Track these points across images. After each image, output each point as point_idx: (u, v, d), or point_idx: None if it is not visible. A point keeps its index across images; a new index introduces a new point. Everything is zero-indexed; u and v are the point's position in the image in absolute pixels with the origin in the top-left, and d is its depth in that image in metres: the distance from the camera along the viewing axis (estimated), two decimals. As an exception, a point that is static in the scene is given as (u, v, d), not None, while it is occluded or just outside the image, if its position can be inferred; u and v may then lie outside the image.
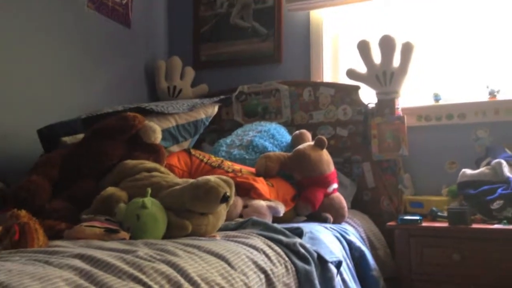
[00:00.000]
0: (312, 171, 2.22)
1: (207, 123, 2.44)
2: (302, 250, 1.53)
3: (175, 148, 2.25)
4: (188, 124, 2.31)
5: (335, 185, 2.29)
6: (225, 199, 1.41)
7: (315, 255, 1.57)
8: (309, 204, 2.14)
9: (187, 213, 1.42)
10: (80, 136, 1.94)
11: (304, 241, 1.63)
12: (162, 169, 1.71)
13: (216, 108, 2.49)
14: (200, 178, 1.45)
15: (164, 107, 2.25)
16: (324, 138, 2.31)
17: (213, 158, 2.27)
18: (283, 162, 2.24)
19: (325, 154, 2.28)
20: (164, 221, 1.39)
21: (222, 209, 1.51)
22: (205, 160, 2.23)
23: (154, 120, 2.16)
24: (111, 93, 2.85)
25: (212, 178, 1.44)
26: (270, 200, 1.95)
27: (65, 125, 2.00)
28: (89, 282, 0.89)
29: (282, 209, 1.94)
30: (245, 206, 1.89)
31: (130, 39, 3.04)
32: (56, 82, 2.50)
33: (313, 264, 1.52)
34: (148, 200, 1.38)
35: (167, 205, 1.43)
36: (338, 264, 1.67)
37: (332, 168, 2.28)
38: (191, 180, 1.51)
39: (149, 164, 1.70)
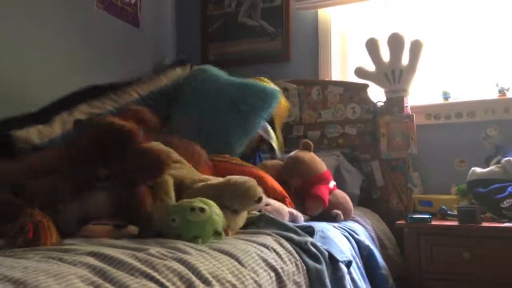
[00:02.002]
0: (311, 170, 2.23)
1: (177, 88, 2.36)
2: (313, 249, 1.53)
3: None
4: (152, 93, 2.22)
5: (333, 182, 2.30)
6: (259, 199, 1.48)
7: (326, 254, 1.57)
8: (318, 200, 2.12)
9: (222, 209, 1.45)
10: (33, 129, 1.85)
11: (316, 240, 1.63)
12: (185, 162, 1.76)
13: (178, 71, 2.39)
14: (238, 178, 1.51)
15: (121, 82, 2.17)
16: (309, 141, 2.36)
17: None
18: (279, 171, 2.25)
19: (315, 156, 2.33)
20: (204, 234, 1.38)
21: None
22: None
23: (112, 96, 2.09)
24: (120, 93, 2.86)
25: (247, 178, 1.51)
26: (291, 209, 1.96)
27: (10, 121, 1.88)
28: (103, 279, 0.90)
29: (301, 220, 1.94)
30: (266, 204, 1.88)
31: (138, 39, 3.05)
32: (64, 82, 2.51)
33: (324, 263, 1.52)
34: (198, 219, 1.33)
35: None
36: (348, 264, 1.67)
37: (325, 167, 2.31)
38: (219, 179, 1.57)
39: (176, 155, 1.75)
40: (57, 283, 0.82)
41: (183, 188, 1.56)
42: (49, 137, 1.86)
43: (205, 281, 1.05)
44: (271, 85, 2.44)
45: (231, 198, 1.47)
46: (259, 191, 1.48)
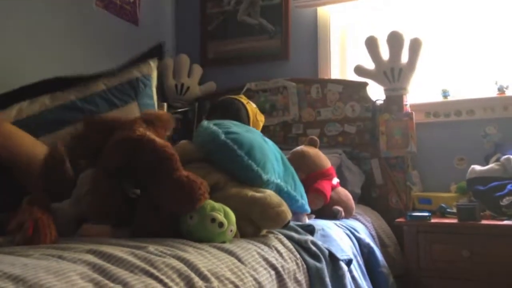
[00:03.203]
0: (315, 165, 2.24)
1: (148, 82, 2.28)
2: (314, 248, 1.54)
3: (117, 114, 2.11)
4: (121, 85, 2.18)
5: (337, 179, 2.30)
6: (287, 224, 1.48)
7: (327, 252, 1.57)
8: (320, 195, 2.11)
9: (246, 222, 1.43)
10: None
11: (316, 238, 1.63)
12: None
13: (152, 65, 2.32)
14: (271, 197, 1.46)
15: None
16: (315, 138, 2.38)
17: None
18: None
19: (320, 152, 2.34)
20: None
21: None
22: None
23: (77, 87, 2.04)
24: (119, 91, 2.86)
25: (280, 200, 1.47)
26: None
27: None
28: (103, 276, 0.90)
29: (305, 220, 1.94)
30: None
31: (137, 37, 3.05)
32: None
33: (324, 262, 1.52)
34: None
35: (231, 207, 1.40)
36: (349, 262, 1.67)
37: (329, 163, 2.32)
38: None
39: None
40: (57, 280, 0.82)
41: (216, 189, 1.51)
42: None
43: (204, 278, 1.06)
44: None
45: (260, 219, 1.44)
46: (289, 216, 1.46)
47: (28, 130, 1.84)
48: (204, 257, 1.15)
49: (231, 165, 1.56)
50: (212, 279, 1.07)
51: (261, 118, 2.27)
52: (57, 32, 2.49)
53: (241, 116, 2.15)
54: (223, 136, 1.58)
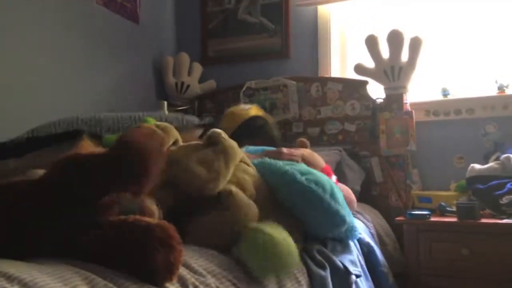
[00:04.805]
0: (318, 166, 2.20)
1: None
2: (319, 257, 1.54)
3: None
4: None
5: (334, 176, 2.28)
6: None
7: (335, 261, 1.57)
8: None
9: None
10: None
11: (331, 248, 1.62)
12: None
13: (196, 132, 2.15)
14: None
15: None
16: (304, 139, 2.24)
17: None
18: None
19: (313, 151, 2.23)
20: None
21: None
22: None
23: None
24: (119, 90, 2.87)
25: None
26: None
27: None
28: (96, 274, 0.90)
29: None
30: None
31: (138, 35, 3.05)
32: (64, 79, 2.52)
33: (328, 270, 1.52)
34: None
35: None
36: (357, 276, 1.68)
37: (324, 162, 2.22)
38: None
39: None
40: (51, 279, 0.83)
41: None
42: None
43: (196, 272, 1.07)
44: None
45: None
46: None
47: None
48: (200, 258, 1.15)
49: (314, 211, 1.41)
50: (205, 273, 1.09)
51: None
52: (57, 30, 2.49)
53: (269, 129, 2.23)
54: (304, 180, 1.40)
